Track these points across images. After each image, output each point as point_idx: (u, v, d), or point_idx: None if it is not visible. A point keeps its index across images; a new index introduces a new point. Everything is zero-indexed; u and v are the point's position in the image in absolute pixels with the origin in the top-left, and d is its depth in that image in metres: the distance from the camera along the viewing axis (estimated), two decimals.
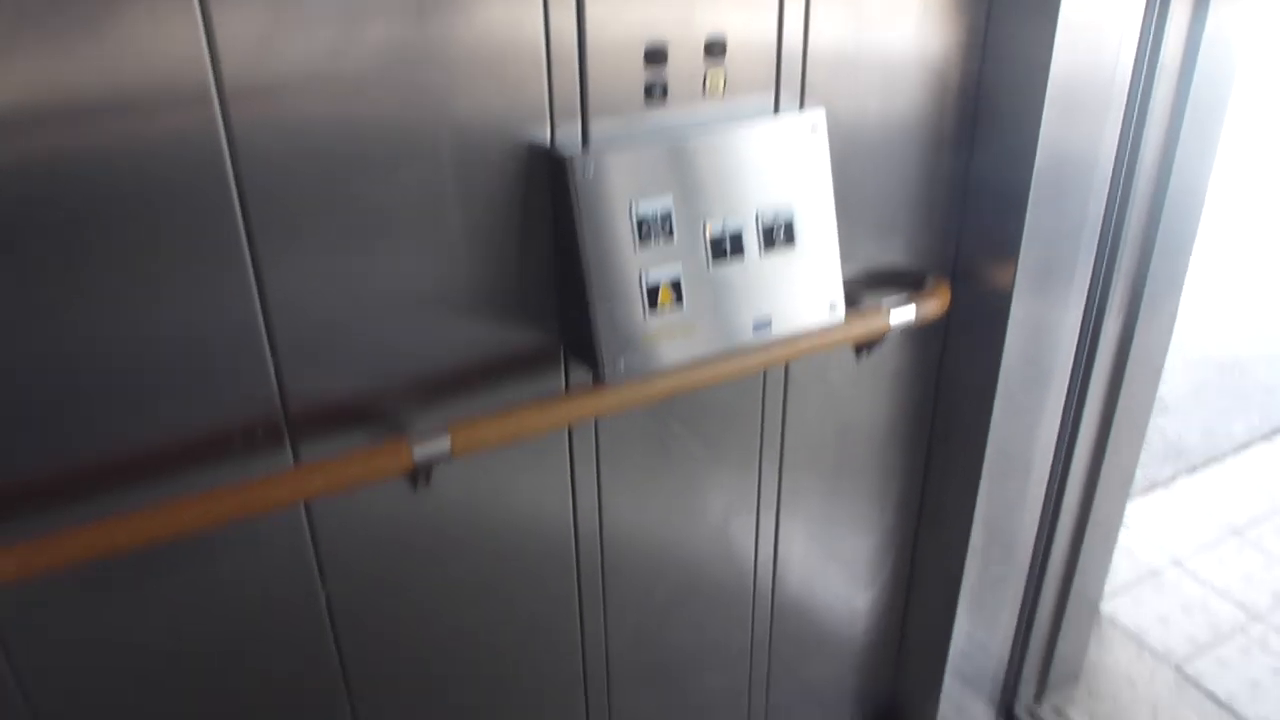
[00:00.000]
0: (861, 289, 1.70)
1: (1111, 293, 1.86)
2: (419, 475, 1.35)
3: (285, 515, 1.35)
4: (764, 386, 1.69)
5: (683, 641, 1.89)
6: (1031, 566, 2.15)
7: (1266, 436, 3.54)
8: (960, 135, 1.67)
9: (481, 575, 1.58)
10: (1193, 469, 3.34)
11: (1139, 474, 3.25)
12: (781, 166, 1.40)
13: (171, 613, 1.35)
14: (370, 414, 1.34)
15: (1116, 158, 1.71)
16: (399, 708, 1.63)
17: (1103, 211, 1.75)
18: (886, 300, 1.64)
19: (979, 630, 2.14)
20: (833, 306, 1.49)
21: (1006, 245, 1.66)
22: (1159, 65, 1.65)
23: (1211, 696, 2.50)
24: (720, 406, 1.66)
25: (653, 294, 1.32)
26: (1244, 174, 5.96)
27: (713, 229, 1.35)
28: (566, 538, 1.63)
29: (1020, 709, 2.41)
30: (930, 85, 1.60)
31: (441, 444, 1.28)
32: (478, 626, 1.62)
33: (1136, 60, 1.63)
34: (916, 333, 1.83)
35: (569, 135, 1.31)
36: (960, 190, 1.72)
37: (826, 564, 2.00)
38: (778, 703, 2.10)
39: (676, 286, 1.33)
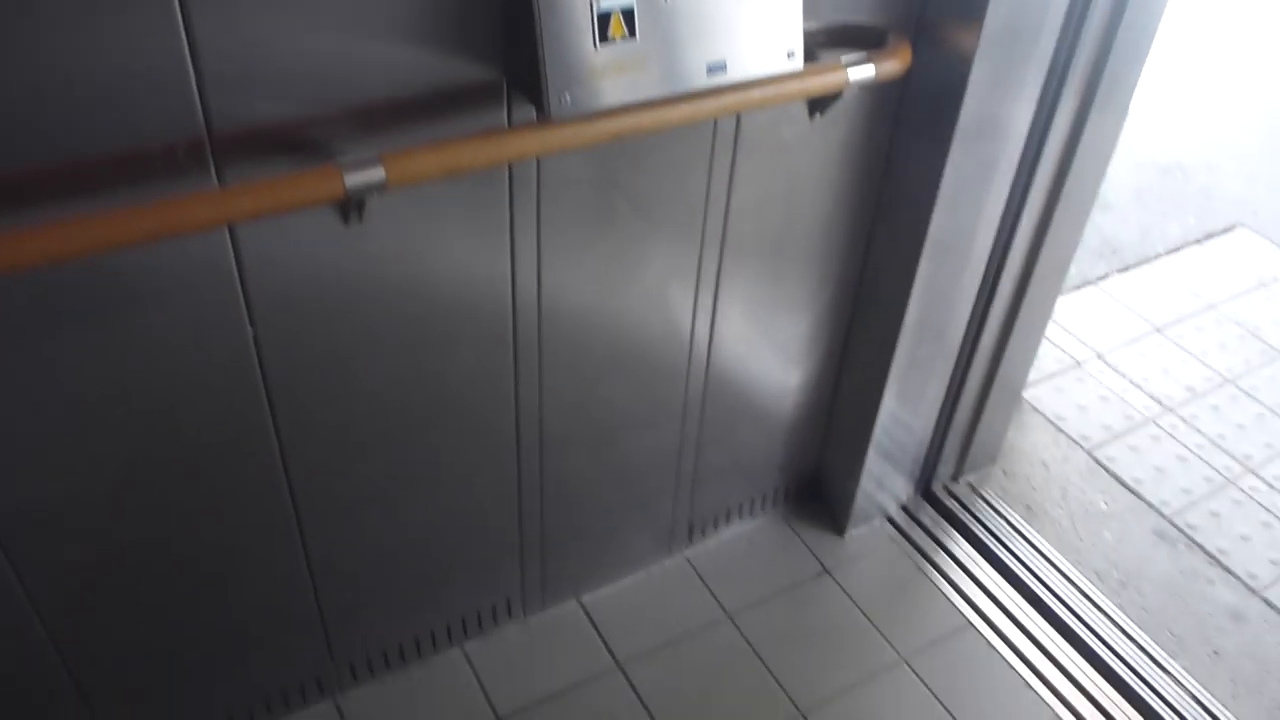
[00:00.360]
0: (821, 45, 1.62)
1: (1068, 82, 1.81)
2: (351, 206, 1.29)
3: (211, 248, 1.29)
4: (713, 141, 1.62)
5: (616, 402, 1.90)
6: (960, 350, 2.18)
7: (1199, 240, 3.59)
8: None
9: (415, 324, 1.54)
10: (1125, 267, 3.39)
11: (1073, 269, 3.28)
12: None
13: (96, 359, 1.29)
14: (301, 142, 1.26)
15: None
16: (330, 462, 1.62)
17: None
18: (846, 57, 1.56)
19: (904, 409, 2.18)
20: (790, 54, 1.42)
21: (971, 6, 1.59)
22: None
23: (1119, 480, 2.61)
24: (668, 161, 1.60)
25: (604, 22, 1.23)
26: None
27: None
28: (503, 290, 1.59)
29: (937, 486, 2.50)
30: None
31: (375, 173, 1.21)
32: (409, 378, 1.60)
33: None
34: (872, 99, 1.76)
35: None
36: None
37: (762, 336, 2.00)
38: (706, 467, 2.15)
39: (629, 16, 1.24)
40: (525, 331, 1.66)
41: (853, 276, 2.01)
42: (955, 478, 2.52)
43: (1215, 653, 2.24)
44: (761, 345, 2.01)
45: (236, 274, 1.32)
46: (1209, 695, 2.14)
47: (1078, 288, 3.25)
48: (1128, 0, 1.75)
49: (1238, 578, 2.40)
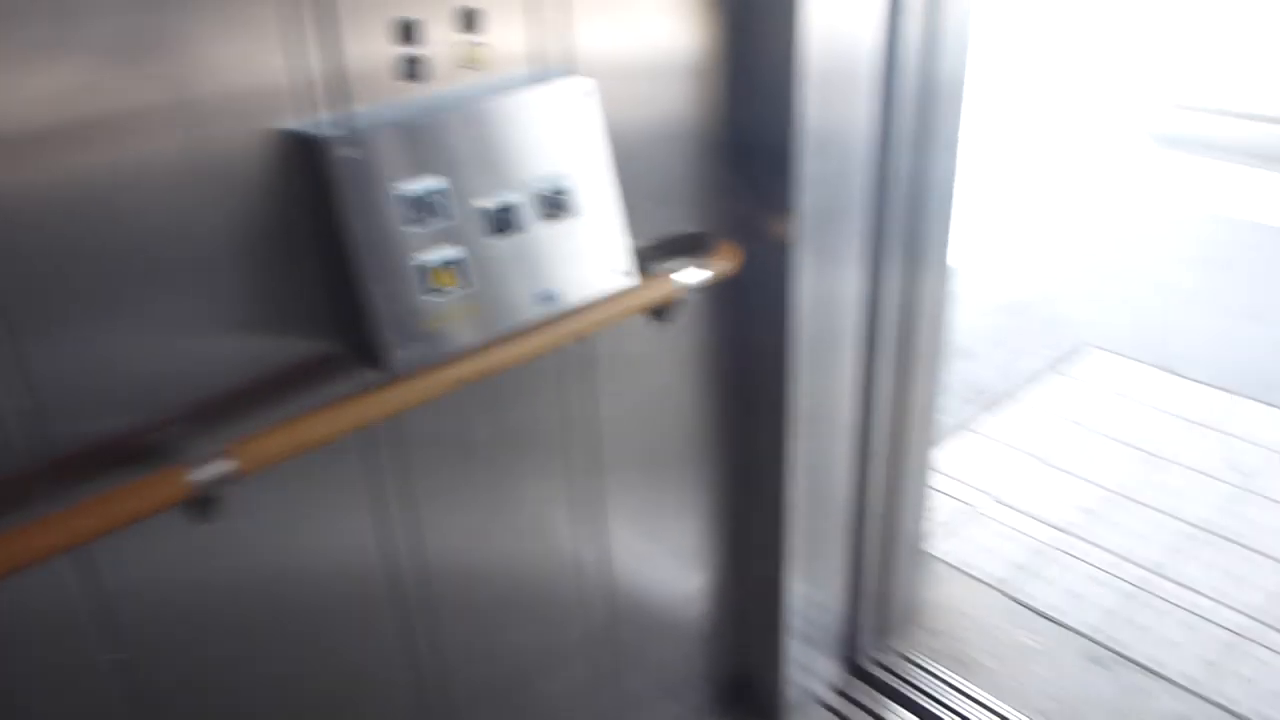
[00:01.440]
0: (654, 258, 1.69)
1: (886, 249, 1.92)
2: (204, 504, 1.25)
3: (60, 574, 1.22)
4: (565, 365, 1.65)
5: (522, 646, 1.83)
6: (852, 518, 2.19)
7: (1052, 366, 3.75)
8: (727, 102, 1.69)
9: (291, 613, 1.47)
10: (992, 406, 3.50)
11: (948, 418, 3.39)
12: (555, 134, 1.37)
13: None
14: (145, 448, 1.23)
15: (882, 123, 1.77)
16: None
17: (870, 174, 1.81)
18: (676, 266, 1.63)
19: (813, 589, 2.16)
20: (622, 273, 1.47)
21: (781, 201, 1.68)
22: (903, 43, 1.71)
23: (1039, 613, 2.61)
24: (523, 393, 1.61)
25: (430, 277, 1.26)
26: (998, 141, 6.33)
27: (487, 203, 1.30)
28: (376, 559, 1.54)
29: (864, 659, 2.46)
30: (695, 56, 1.61)
31: (221, 465, 1.18)
32: (294, 672, 1.51)
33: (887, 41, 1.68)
34: (714, 299, 1.83)
35: (326, 119, 1.23)
36: (733, 154, 1.73)
37: (656, 548, 1.98)
38: (629, 695, 2.07)
39: (455, 266, 1.28)
40: (412, 595, 1.60)
41: (732, 467, 2.03)
42: (881, 647, 2.48)
43: None
44: (656, 557, 1.98)
45: (93, 601, 1.25)
46: None
47: (955, 434, 3.34)
48: (927, 168, 1.89)
49: (1177, 684, 2.39)
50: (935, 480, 3.08)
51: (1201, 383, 3.63)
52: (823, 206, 1.73)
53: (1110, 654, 2.49)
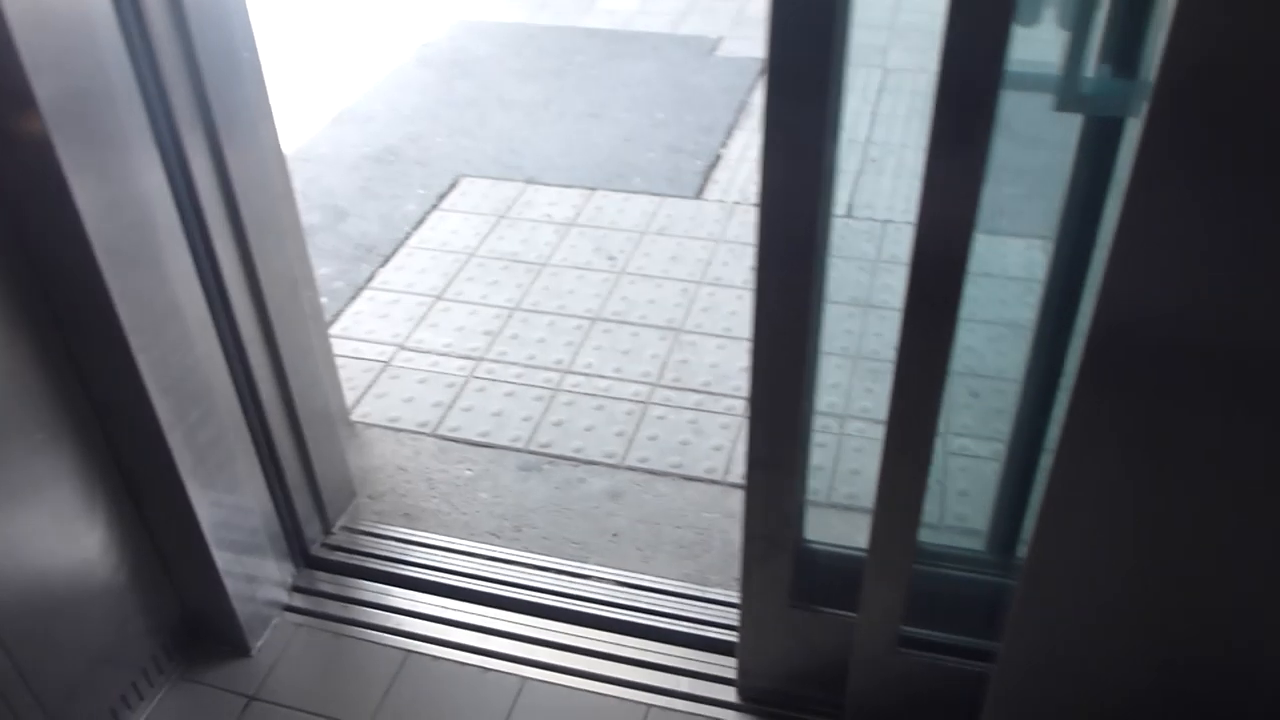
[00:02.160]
0: None
1: (182, 134, 1.73)
2: None
3: None
4: None
5: None
6: (248, 417, 2.06)
7: (435, 205, 3.80)
8: None
9: None
10: (386, 259, 3.48)
11: (342, 283, 3.31)
12: None
13: None
14: None
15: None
16: None
17: (126, 47, 1.59)
18: None
19: (226, 497, 2.02)
20: None
21: (18, 91, 1.43)
22: None
23: (470, 443, 2.70)
24: None
25: None
26: None
27: None
28: None
29: (316, 548, 2.38)
30: None
31: None
32: None
33: None
34: None
35: None
36: None
37: (20, 531, 1.71)
38: (52, 691, 1.81)
39: None
40: None
41: (81, 403, 1.78)
42: (328, 530, 2.42)
43: (614, 535, 2.42)
44: (29, 538, 1.72)
45: None
46: (627, 573, 2.30)
47: (353, 298, 3.28)
48: (210, 31, 1.70)
49: (600, 463, 2.61)
50: (343, 347, 3.02)
51: (564, 186, 3.88)
52: (74, 90, 1.50)
53: (539, 457, 2.64)
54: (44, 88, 1.44)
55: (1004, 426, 1.88)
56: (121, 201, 1.62)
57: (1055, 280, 1.60)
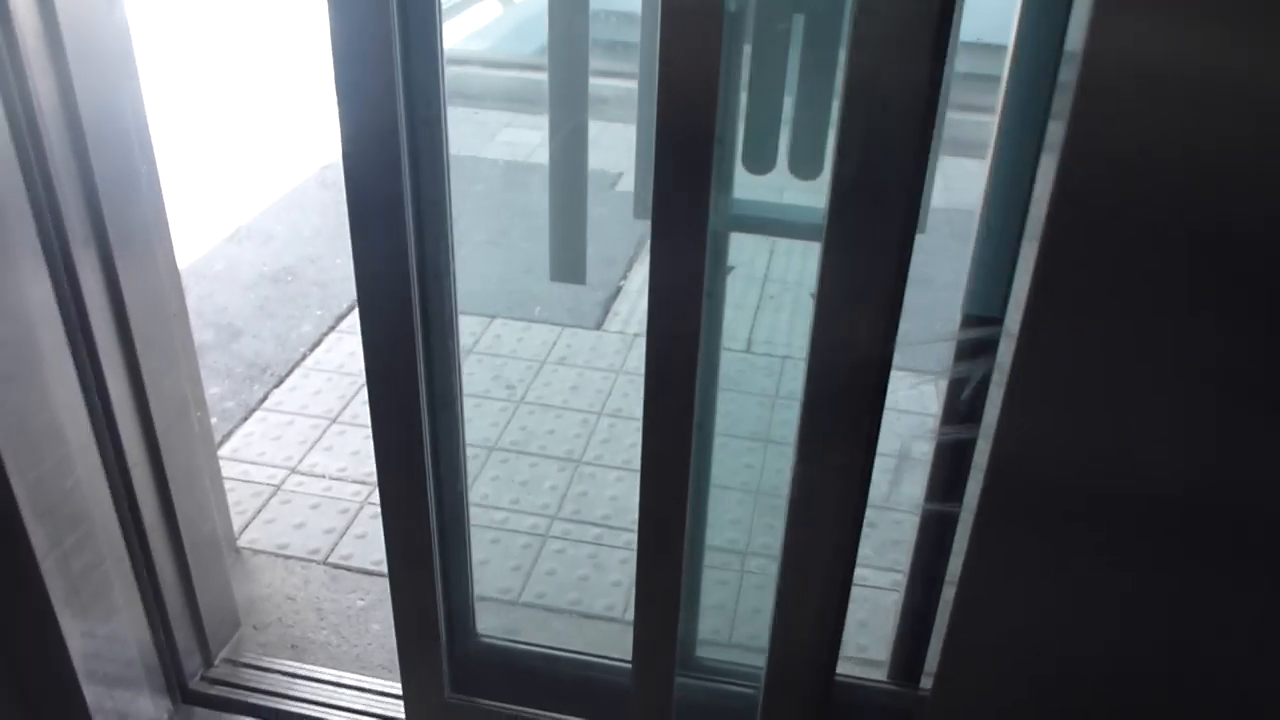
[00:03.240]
0: None
1: (74, 251, 1.69)
2: None
3: None
4: None
5: None
6: (129, 543, 1.96)
7: (332, 326, 3.76)
8: None
9: None
10: (280, 379, 3.41)
11: (232, 402, 3.22)
12: None
13: None
14: None
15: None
16: None
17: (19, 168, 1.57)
18: None
19: (101, 627, 1.91)
20: None
21: None
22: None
23: (362, 570, 2.62)
24: None
25: None
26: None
27: None
28: None
29: (195, 681, 2.26)
30: None
31: None
32: None
33: None
34: None
35: None
36: None
37: None
38: None
39: None
40: None
41: None
42: (209, 663, 2.29)
43: None
44: None
45: None
46: None
47: (245, 419, 3.19)
48: (89, 146, 1.68)
49: (493, 599, 2.55)
50: (232, 470, 2.93)
51: (462, 313, 3.88)
52: None
53: None
54: None
55: (900, 557, 1.92)
56: (2, 314, 1.57)
57: (950, 415, 1.66)
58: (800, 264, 4.18)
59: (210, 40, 7.05)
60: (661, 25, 1.21)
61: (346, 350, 3.59)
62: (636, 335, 3.78)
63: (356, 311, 3.75)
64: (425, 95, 1.43)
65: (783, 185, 1.51)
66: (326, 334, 3.70)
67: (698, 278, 1.38)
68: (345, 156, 1.44)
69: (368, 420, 3.17)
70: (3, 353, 1.58)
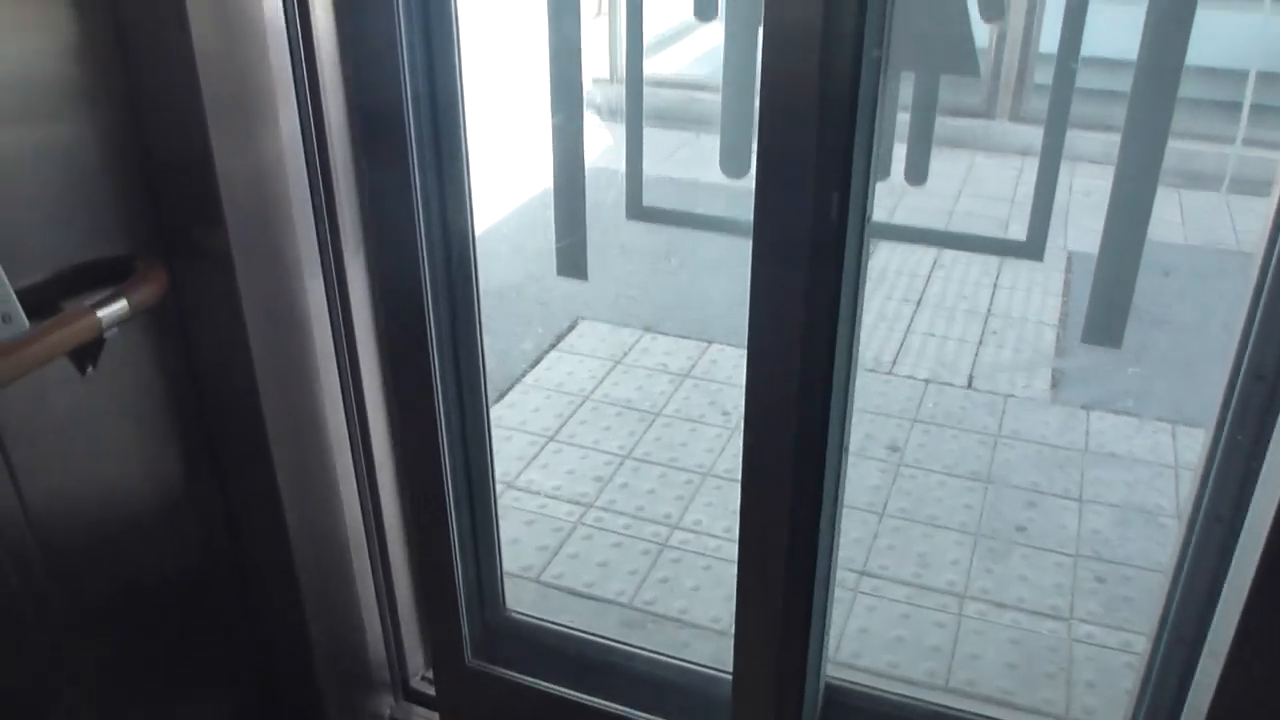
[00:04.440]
0: (61, 294, 1.40)
1: (345, 257, 1.77)
2: None
3: None
4: None
5: None
6: (371, 546, 2.03)
7: (553, 345, 3.83)
8: (119, 91, 1.43)
9: None
10: (500, 395, 3.49)
11: None
12: None
13: None
14: None
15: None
16: None
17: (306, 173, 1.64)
18: (89, 301, 1.35)
19: (338, 627, 1.98)
20: (5, 319, 1.18)
21: (208, 210, 1.47)
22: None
23: (572, 592, 2.63)
24: None
25: None
26: None
27: None
28: None
29: (415, 680, 2.31)
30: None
31: None
32: None
33: None
34: (155, 334, 1.56)
35: None
36: (147, 161, 1.49)
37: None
38: None
39: None
40: None
41: (214, 518, 1.77)
42: (430, 664, 2.35)
43: None
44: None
45: None
46: None
47: None
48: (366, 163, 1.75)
49: (704, 628, 2.51)
50: None
51: (681, 336, 3.89)
52: (256, 213, 1.54)
53: (642, 614, 2.56)
54: (233, 216, 1.48)
55: (1132, 614, 1.76)
56: (283, 315, 1.65)
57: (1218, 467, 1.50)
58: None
59: None
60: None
61: (565, 369, 3.65)
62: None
63: (576, 331, 3.81)
64: None
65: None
66: (547, 352, 3.77)
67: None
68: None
69: (584, 441, 3.22)
70: (283, 350, 1.65)
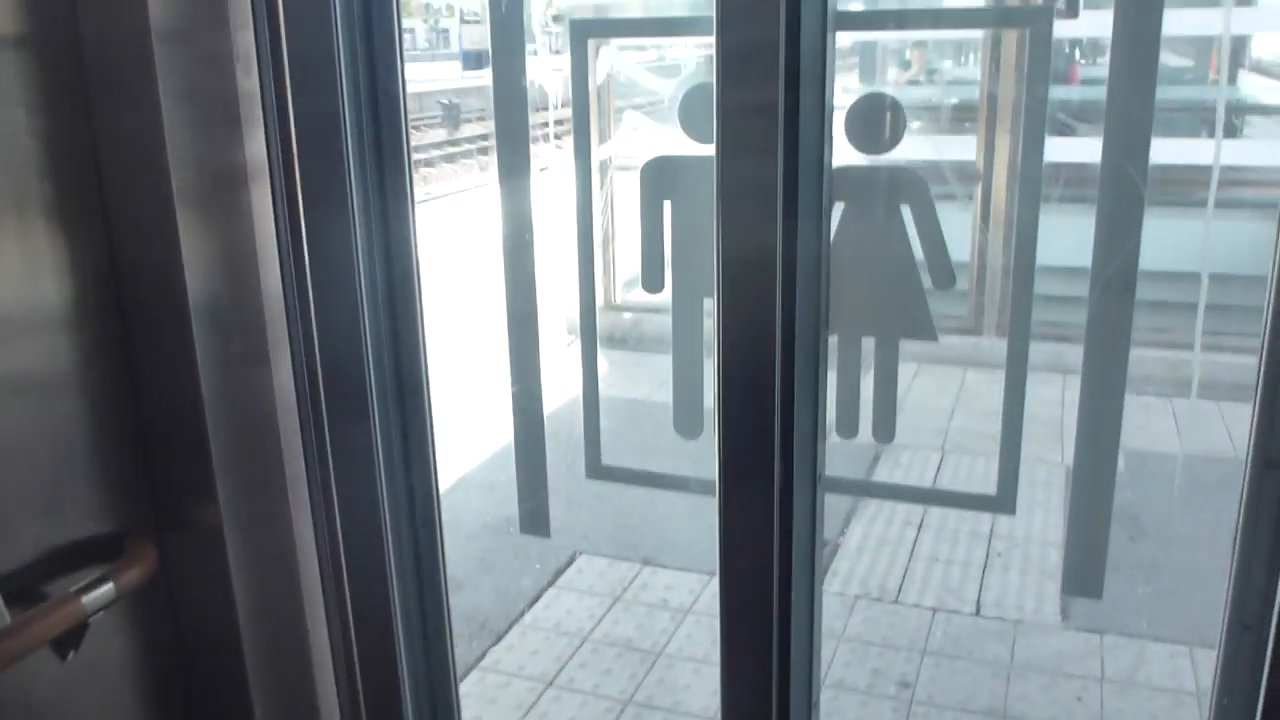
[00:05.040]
0: (47, 577, 1.38)
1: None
2: None
3: None
4: None
5: None
6: None
7: (551, 581, 3.76)
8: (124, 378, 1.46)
9: None
10: (499, 637, 3.40)
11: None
12: None
13: None
14: None
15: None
16: None
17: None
18: (75, 583, 1.33)
19: None
20: None
21: (202, 483, 1.47)
22: None
23: None
24: None
25: None
26: None
27: None
28: None
29: None
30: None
31: None
32: None
33: None
34: (140, 609, 1.53)
35: None
36: (139, 437, 1.50)
37: None
38: None
39: None
40: None
41: None
42: None
43: None
44: None
45: None
46: None
47: (463, 677, 3.17)
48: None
49: None
50: None
51: (681, 569, 3.83)
52: (248, 488, 1.54)
53: None
54: (229, 485, 1.48)
55: None
56: (272, 593, 1.62)
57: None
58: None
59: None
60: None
61: (564, 607, 3.57)
62: (859, 597, 3.61)
63: (574, 566, 3.76)
64: None
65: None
66: (545, 589, 3.70)
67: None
68: None
69: (583, 686, 3.11)
70: (273, 616, 1.62)
